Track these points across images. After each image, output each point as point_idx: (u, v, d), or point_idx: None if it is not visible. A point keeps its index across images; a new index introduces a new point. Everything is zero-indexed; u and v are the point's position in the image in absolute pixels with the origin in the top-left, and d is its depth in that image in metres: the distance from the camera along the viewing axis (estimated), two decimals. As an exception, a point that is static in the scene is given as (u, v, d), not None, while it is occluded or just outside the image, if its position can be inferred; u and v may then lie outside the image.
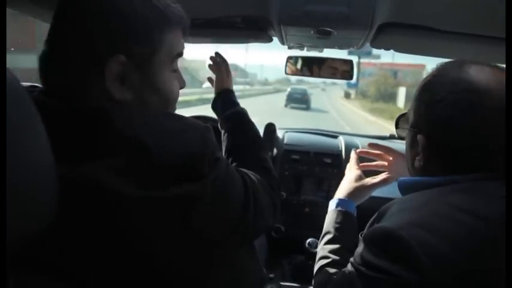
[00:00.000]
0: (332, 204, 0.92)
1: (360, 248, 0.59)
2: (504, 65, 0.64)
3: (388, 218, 0.59)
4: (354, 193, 0.91)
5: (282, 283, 1.29)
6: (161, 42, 0.59)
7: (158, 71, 0.60)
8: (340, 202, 0.90)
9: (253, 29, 1.13)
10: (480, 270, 0.49)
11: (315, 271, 0.82)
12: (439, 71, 0.66)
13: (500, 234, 0.51)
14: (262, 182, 0.72)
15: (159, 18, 0.58)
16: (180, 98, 0.68)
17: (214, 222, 0.56)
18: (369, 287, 0.54)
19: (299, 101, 22.55)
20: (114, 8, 0.55)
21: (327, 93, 50.67)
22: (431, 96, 0.63)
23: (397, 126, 0.86)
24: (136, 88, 0.58)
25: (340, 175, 1.60)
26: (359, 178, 0.94)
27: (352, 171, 0.98)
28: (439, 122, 0.61)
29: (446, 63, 0.67)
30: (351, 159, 1.02)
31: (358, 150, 1.02)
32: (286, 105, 22.48)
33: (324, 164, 1.64)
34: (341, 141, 1.74)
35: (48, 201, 0.41)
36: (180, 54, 0.64)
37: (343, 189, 0.93)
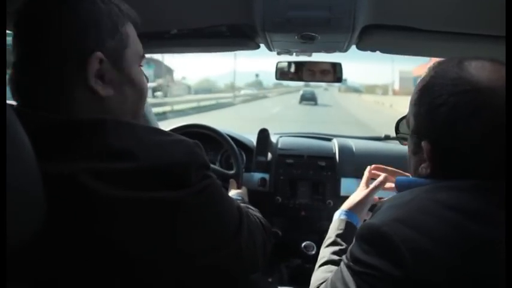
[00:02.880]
0: (336, 214, 0.95)
1: (352, 244, 0.61)
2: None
3: (378, 215, 0.60)
4: (357, 205, 0.95)
5: (279, 287, 1.29)
6: (127, 37, 0.62)
7: (131, 66, 0.63)
8: (344, 213, 0.94)
9: (239, 37, 1.15)
10: (464, 266, 0.50)
11: (314, 270, 0.83)
12: (437, 71, 0.62)
13: (486, 231, 0.51)
14: (258, 223, 0.76)
15: (120, 13, 0.62)
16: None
17: (203, 232, 0.57)
18: (359, 282, 0.55)
19: (309, 99, 31.47)
20: (83, 8, 0.57)
21: (329, 91, 54.94)
22: (431, 100, 0.60)
23: (397, 131, 0.83)
24: (115, 84, 0.61)
25: (335, 178, 1.63)
26: (365, 195, 0.96)
27: (361, 189, 0.99)
28: (444, 128, 0.58)
29: (443, 61, 0.64)
30: (363, 178, 1.02)
31: (373, 167, 1.01)
32: (300, 102, 30.83)
33: (318, 167, 1.65)
34: (335, 144, 1.75)
35: (36, 208, 0.42)
36: (143, 56, 0.68)
37: (349, 202, 0.97)
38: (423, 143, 0.61)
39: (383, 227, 0.53)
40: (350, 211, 0.94)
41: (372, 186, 0.96)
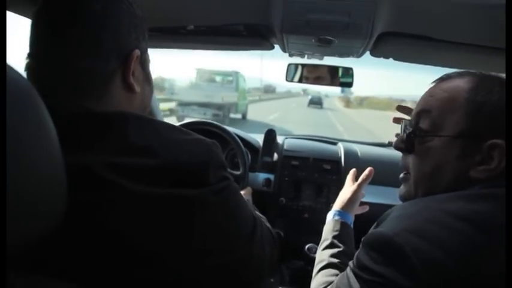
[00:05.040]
0: (330, 215, 0.96)
1: (359, 251, 0.61)
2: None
3: (387, 223, 0.60)
4: (348, 203, 0.96)
5: None
6: (146, 41, 0.67)
7: (149, 64, 0.68)
8: (337, 213, 0.95)
9: (255, 37, 1.16)
10: (474, 277, 0.50)
11: (313, 274, 0.83)
12: (477, 77, 0.64)
13: (496, 242, 0.51)
14: (268, 232, 0.77)
15: (145, 19, 0.65)
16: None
17: (217, 233, 0.57)
18: None
19: (316, 103, 38.03)
20: (126, 7, 0.60)
21: (330, 99, 57.89)
22: (500, 98, 0.59)
23: (413, 137, 0.69)
24: (140, 81, 0.64)
25: (340, 181, 1.63)
26: (353, 191, 0.98)
27: (349, 185, 1.02)
28: None
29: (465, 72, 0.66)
30: (348, 175, 1.06)
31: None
32: (308, 106, 36.36)
33: (323, 170, 1.65)
34: (340, 148, 1.75)
35: (59, 199, 0.42)
36: None
37: (339, 201, 0.98)
38: (491, 143, 0.59)
39: (394, 237, 0.53)
40: (343, 211, 0.95)
41: (358, 181, 0.99)
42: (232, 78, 14.85)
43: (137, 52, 0.61)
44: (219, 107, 13.38)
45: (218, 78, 15.34)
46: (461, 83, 0.64)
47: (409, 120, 0.71)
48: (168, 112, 13.33)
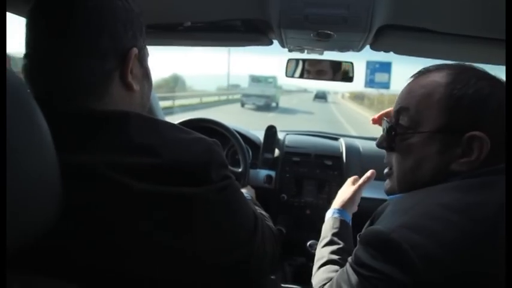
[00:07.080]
0: (329, 213, 0.96)
1: (357, 248, 0.60)
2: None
3: (382, 219, 0.60)
4: (347, 203, 0.96)
5: (283, 285, 1.30)
6: (144, 36, 0.66)
7: (147, 62, 0.67)
8: (337, 211, 0.95)
9: (253, 32, 1.15)
10: (472, 271, 0.50)
11: (313, 271, 0.83)
12: (453, 71, 0.65)
13: (492, 234, 0.51)
14: (270, 230, 0.77)
15: (141, 14, 0.64)
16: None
17: (218, 231, 0.57)
18: (366, 285, 0.55)
19: (321, 97, 41.80)
20: (121, 4, 0.59)
21: (331, 95, 60.17)
22: (475, 90, 0.60)
23: (394, 135, 0.69)
24: (139, 79, 0.63)
25: (341, 177, 1.62)
26: (354, 191, 0.98)
27: (348, 185, 1.02)
28: (497, 114, 0.59)
29: (444, 66, 0.67)
30: (350, 178, 1.05)
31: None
32: (314, 100, 39.87)
33: (325, 166, 1.64)
34: (342, 144, 1.74)
35: (53, 199, 0.42)
36: None
37: (339, 200, 0.98)
38: (469, 135, 0.59)
39: (391, 234, 0.53)
40: (342, 209, 0.95)
41: (359, 182, 0.98)
42: (271, 80, 24.09)
43: (135, 50, 0.60)
44: (268, 97, 22.61)
45: (262, 80, 24.25)
46: (438, 78, 0.65)
47: (389, 118, 0.72)
48: (236, 100, 25.65)
